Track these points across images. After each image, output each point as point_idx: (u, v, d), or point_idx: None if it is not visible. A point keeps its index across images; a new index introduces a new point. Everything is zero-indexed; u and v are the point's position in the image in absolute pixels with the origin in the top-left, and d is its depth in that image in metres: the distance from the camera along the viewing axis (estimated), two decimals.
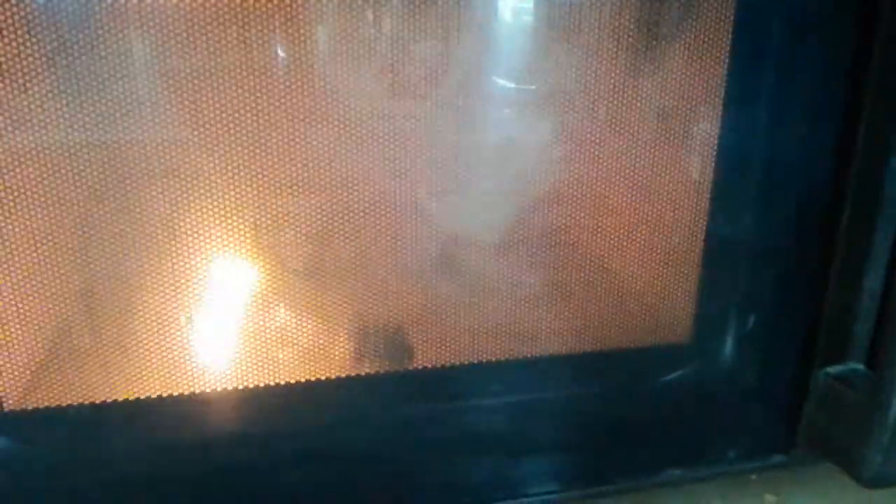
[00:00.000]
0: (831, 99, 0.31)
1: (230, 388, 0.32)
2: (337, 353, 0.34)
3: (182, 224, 0.30)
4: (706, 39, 0.32)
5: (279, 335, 0.33)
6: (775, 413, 0.35)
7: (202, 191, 0.29)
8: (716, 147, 0.33)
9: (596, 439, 0.35)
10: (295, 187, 0.30)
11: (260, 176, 0.30)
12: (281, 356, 0.33)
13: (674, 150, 0.34)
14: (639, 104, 0.33)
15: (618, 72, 0.33)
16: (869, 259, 0.32)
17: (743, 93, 0.32)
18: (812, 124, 0.32)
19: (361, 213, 0.31)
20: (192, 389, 0.32)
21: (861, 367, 0.33)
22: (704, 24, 0.32)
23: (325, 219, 0.32)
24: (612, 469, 0.34)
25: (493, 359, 0.35)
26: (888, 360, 0.30)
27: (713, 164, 0.33)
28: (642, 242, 0.35)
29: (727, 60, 0.31)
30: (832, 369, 0.33)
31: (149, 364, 0.31)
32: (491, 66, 0.32)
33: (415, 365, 0.34)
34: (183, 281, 0.31)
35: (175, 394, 0.31)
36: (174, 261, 0.30)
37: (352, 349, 0.34)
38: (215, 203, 0.30)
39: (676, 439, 0.35)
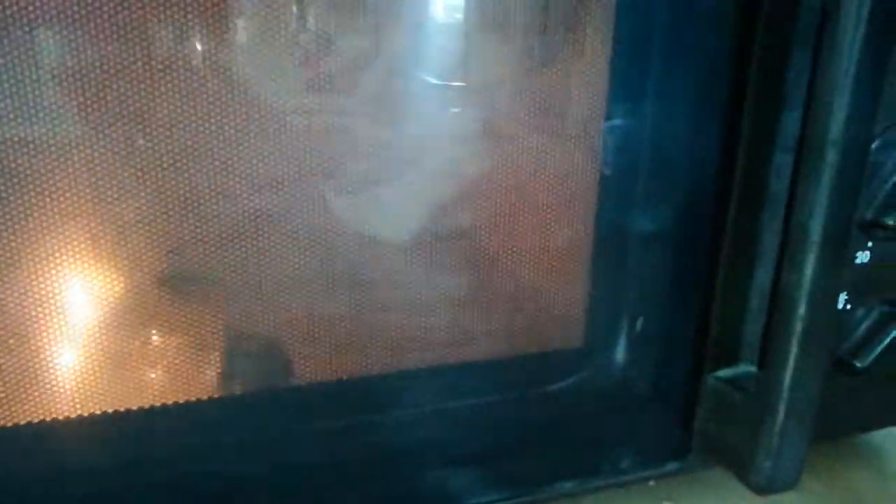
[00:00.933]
0: (717, 92, 0.30)
1: (87, 413, 0.29)
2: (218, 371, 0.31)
3: (28, 229, 0.26)
4: (590, 27, 0.30)
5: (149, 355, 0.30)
6: (669, 419, 0.34)
7: (51, 192, 0.26)
8: (601, 143, 0.31)
9: (486, 454, 0.33)
10: (161, 190, 0.27)
11: (115, 177, 0.27)
12: (150, 377, 0.30)
13: (560, 148, 0.32)
14: (524, 99, 0.31)
15: (503, 65, 0.31)
16: (756, 258, 0.31)
17: (627, 86, 0.30)
18: (698, 120, 0.31)
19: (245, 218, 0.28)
20: (45, 416, 0.28)
21: (752, 369, 0.32)
22: (588, 13, 0.30)
23: (202, 224, 0.29)
24: (501, 483, 0.32)
25: (384, 371, 0.33)
26: (775, 360, 0.29)
27: (599, 162, 0.31)
28: (534, 246, 0.33)
29: (610, 49, 0.30)
30: (722, 373, 0.32)
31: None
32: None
33: (307, 379, 0.32)
34: (29, 296, 0.27)
35: (26, 421, 0.28)
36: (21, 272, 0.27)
37: (238, 367, 0.31)
38: (70, 208, 0.26)
39: (569, 450, 0.33)
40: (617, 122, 0.31)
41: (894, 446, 0.41)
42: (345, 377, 0.32)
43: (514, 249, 0.33)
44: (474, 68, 0.31)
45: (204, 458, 0.29)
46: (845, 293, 0.33)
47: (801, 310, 0.27)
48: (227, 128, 0.27)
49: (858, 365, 0.34)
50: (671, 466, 0.34)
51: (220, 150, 0.27)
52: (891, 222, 0.32)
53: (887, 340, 0.34)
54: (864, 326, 0.34)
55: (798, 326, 0.28)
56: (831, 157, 0.26)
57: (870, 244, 0.33)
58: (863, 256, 0.33)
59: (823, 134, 0.26)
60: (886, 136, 0.31)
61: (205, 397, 0.30)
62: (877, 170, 0.32)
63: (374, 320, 0.32)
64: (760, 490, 0.31)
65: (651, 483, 0.37)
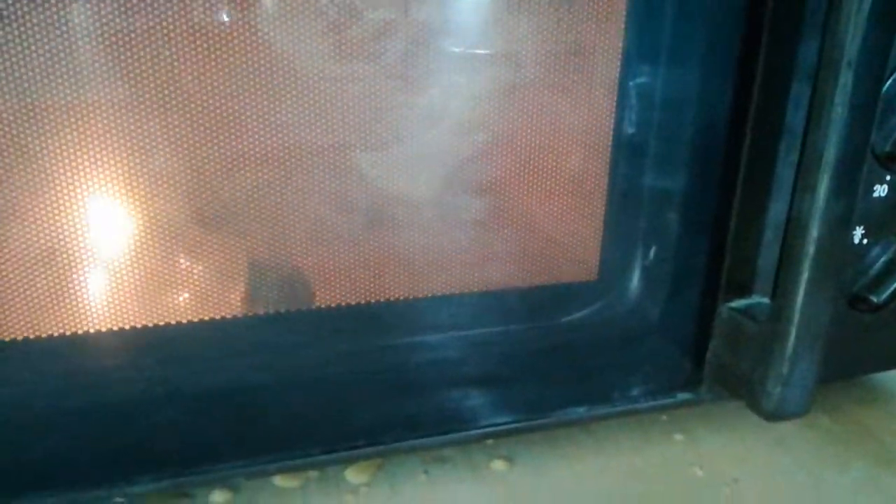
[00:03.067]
0: (734, 22, 0.30)
1: (118, 328, 0.30)
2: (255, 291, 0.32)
3: (63, 160, 0.27)
4: None
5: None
6: (681, 350, 0.34)
7: (85, 126, 0.27)
8: (617, 81, 0.31)
9: (500, 378, 0.34)
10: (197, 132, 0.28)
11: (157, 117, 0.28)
12: (178, 297, 0.32)
13: (577, 86, 0.32)
14: (545, 44, 0.31)
15: (528, 13, 0.31)
16: (772, 189, 0.31)
17: (642, 23, 0.30)
18: (715, 50, 0.31)
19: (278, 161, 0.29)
20: (83, 329, 0.30)
21: (766, 300, 0.32)
22: None
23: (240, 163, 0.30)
24: (515, 408, 0.33)
25: (407, 297, 0.33)
26: (787, 286, 0.29)
27: (616, 99, 0.32)
28: (551, 180, 0.34)
29: None
30: (736, 303, 0.33)
31: (39, 302, 0.29)
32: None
33: (326, 302, 0.33)
34: (67, 220, 0.28)
35: (66, 333, 0.29)
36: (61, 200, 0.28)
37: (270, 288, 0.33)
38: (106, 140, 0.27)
39: (582, 377, 0.34)
40: (632, 61, 0.31)
41: None
42: (364, 301, 0.33)
43: (532, 184, 0.33)
44: (499, 36, 0.31)
45: (224, 371, 0.31)
46: (861, 227, 0.33)
47: (814, 234, 0.28)
48: (256, 79, 0.28)
49: (874, 300, 0.35)
50: (682, 397, 0.35)
51: (247, 99, 0.28)
52: None
53: None
54: (881, 262, 0.34)
55: (810, 251, 0.28)
56: (846, 78, 0.26)
57: (888, 177, 0.33)
58: (881, 190, 0.33)
59: (839, 58, 0.26)
60: None
61: (228, 316, 0.31)
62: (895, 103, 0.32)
63: (395, 248, 0.33)
64: (770, 416, 0.31)
65: (664, 417, 0.38)
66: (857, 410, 0.39)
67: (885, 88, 0.31)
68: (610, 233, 0.34)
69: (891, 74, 0.31)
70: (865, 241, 0.34)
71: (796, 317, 0.29)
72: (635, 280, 0.34)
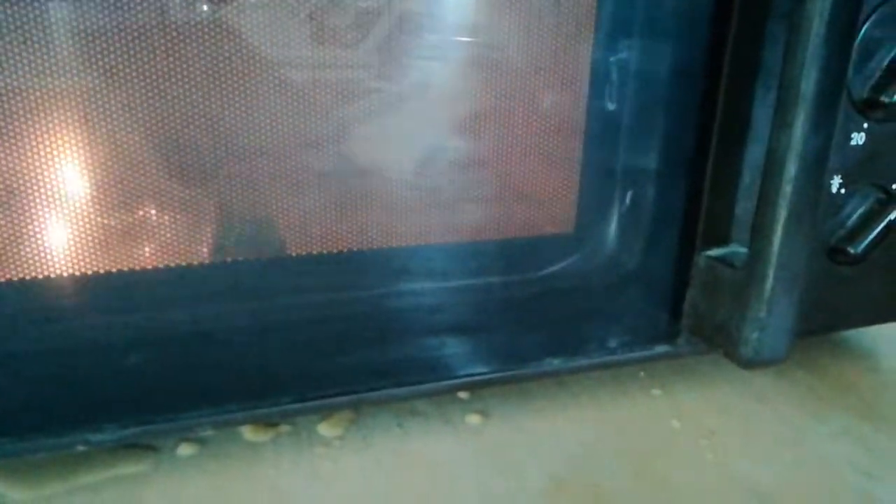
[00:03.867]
0: None
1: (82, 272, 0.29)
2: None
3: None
4: None
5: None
6: (659, 302, 0.34)
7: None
8: (594, 16, 0.31)
9: (475, 329, 0.33)
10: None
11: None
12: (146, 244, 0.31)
13: (554, 35, 0.32)
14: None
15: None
16: (749, 133, 0.31)
17: None
18: None
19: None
20: (46, 272, 0.29)
21: (743, 249, 0.32)
22: None
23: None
24: (490, 359, 0.33)
25: (381, 245, 0.33)
26: (764, 229, 0.29)
27: (590, 44, 0.31)
28: (526, 134, 0.33)
29: None
30: (713, 251, 0.32)
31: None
32: None
33: (307, 250, 0.32)
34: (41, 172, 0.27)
35: (28, 276, 0.28)
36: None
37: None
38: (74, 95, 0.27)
39: (558, 329, 0.33)
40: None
41: (886, 344, 0.41)
42: (339, 250, 0.32)
43: (507, 136, 0.33)
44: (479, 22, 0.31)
45: (192, 318, 0.30)
46: (839, 176, 0.33)
47: (791, 171, 0.27)
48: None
49: (852, 251, 0.34)
50: (660, 349, 0.34)
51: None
52: (886, 100, 0.32)
53: (881, 226, 0.34)
54: (858, 213, 0.34)
55: (787, 190, 0.28)
56: (821, 12, 0.25)
57: (866, 125, 0.33)
58: (858, 138, 0.33)
59: None
60: (883, 10, 0.31)
61: (195, 263, 0.30)
62: (874, 47, 0.31)
63: (369, 196, 0.32)
64: (748, 364, 0.31)
65: (641, 373, 0.38)
66: (834, 365, 0.39)
67: (861, 34, 0.31)
68: (585, 184, 0.34)
69: (866, 20, 0.31)
70: (843, 190, 0.34)
71: (773, 258, 0.29)
72: (612, 231, 0.34)
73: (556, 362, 0.33)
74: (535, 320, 0.33)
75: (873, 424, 0.34)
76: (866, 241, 0.34)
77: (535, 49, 0.32)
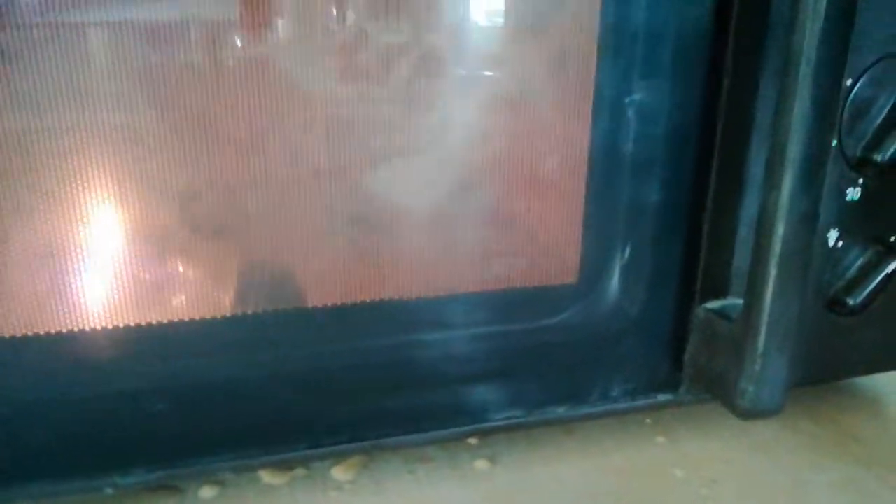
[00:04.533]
0: (700, 29, 0.31)
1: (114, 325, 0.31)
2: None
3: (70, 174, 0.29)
4: None
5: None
6: (660, 351, 0.35)
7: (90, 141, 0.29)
8: (593, 90, 0.33)
9: (481, 378, 0.34)
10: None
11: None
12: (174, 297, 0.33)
13: (557, 94, 0.33)
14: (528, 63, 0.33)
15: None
16: (744, 189, 0.32)
17: (615, 33, 0.32)
18: (683, 56, 0.32)
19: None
20: (82, 326, 0.31)
21: (740, 301, 0.33)
22: None
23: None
24: (497, 407, 0.34)
25: (392, 298, 0.34)
26: (757, 284, 0.30)
27: (591, 107, 0.33)
28: (532, 192, 0.35)
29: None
30: (711, 304, 0.34)
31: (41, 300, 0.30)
32: None
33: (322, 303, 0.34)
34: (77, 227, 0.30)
35: (65, 330, 0.31)
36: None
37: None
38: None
39: (561, 377, 0.35)
40: (607, 57, 0.32)
41: (890, 392, 0.41)
42: (354, 302, 0.34)
43: (513, 191, 0.35)
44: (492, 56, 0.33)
45: (214, 366, 0.32)
46: (836, 230, 0.34)
47: (780, 231, 0.29)
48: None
49: (850, 302, 0.35)
50: (662, 397, 0.35)
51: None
52: (878, 158, 0.33)
53: (879, 278, 0.35)
54: (857, 265, 0.35)
55: (777, 249, 0.29)
56: (806, 75, 0.27)
57: (860, 181, 0.34)
58: (853, 193, 0.34)
59: (799, 55, 0.27)
60: (874, 71, 0.32)
61: (219, 315, 0.32)
62: (864, 107, 0.33)
63: (379, 252, 0.34)
64: (744, 415, 0.32)
65: (647, 420, 0.39)
66: (837, 414, 0.39)
67: (852, 95, 0.32)
68: (589, 236, 0.35)
69: (856, 82, 0.32)
70: (841, 243, 0.34)
71: (765, 315, 0.30)
72: (614, 282, 0.35)
73: (560, 410, 0.34)
74: (540, 369, 0.35)
75: (875, 474, 0.35)
76: (865, 293, 0.35)
77: (543, 118, 0.34)
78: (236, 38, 0.30)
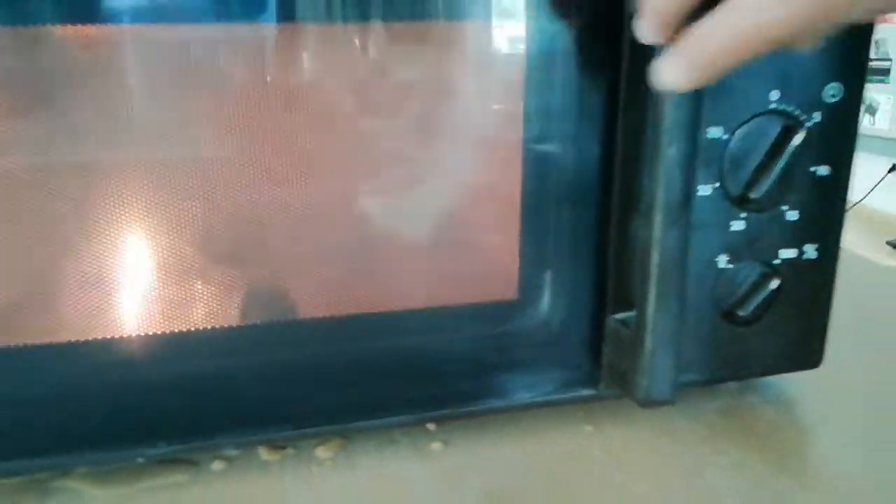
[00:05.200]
0: (598, 97, 0.39)
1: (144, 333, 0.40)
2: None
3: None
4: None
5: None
6: (583, 354, 0.43)
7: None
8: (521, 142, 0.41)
9: (439, 376, 0.42)
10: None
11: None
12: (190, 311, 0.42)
13: (492, 147, 0.42)
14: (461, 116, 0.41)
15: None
16: (637, 223, 0.40)
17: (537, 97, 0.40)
18: (587, 116, 0.40)
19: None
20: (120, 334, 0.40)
21: None
22: None
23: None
24: (449, 399, 0.42)
25: (357, 312, 0.42)
26: (640, 301, 0.37)
27: (521, 157, 0.41)
28: (478, 221, 0.43)
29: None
30: (619, 315, 0.41)
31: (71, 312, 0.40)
32: None
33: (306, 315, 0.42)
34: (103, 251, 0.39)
35: (111, 336, 0.40)
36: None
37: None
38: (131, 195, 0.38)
39: (502, 376, 0.43)
40: (534, 130, 0.40)
41: (790, 389, 0.48)
42: (329, 315, 0.42)
43: (465, 225, 0.43)
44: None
45: (222, 365, 0.40)
46: (726, 255, 0.42)
47: (655, 258, 0.36)
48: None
49: (742, 314, 0.43)
50: (585, 392, 0.43)
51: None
52: (754, 196, 0.40)
53: (765, 294, 0.42)
54: (747, 283, 0.42)
55: (655, 270, 0.37)
56: (666, 139, 0.35)
57: (743, 215, 0.41)
58: (737, 225, 0.41)
59: (658, 126, 0.35)
60: (743, 130, 0.39)
61: (225, 325, 0.41)
62: (743, 155, 0.40)
63: (359, 275, 0.42)
64: (642, 403, 0.39)
65: (580, 413, 0.46)
66: (739, 408, 0.46)
67: (730, 145, 0.40)
68: (525, 261, 0.43)
69: (733, 134, 0.40)
70: (731, 265, 0.42)
71: (649, 324, 0.37)
72: (545, 297, 0.43)
73: (501, 402, 0.42)
74: (483, 368, 0.43)
75: (766, 459, 0.42)
76: (753, 306, 0.42)
77: (478, 167, 0.42)
78: None
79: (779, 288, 0.42)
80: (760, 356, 0.44)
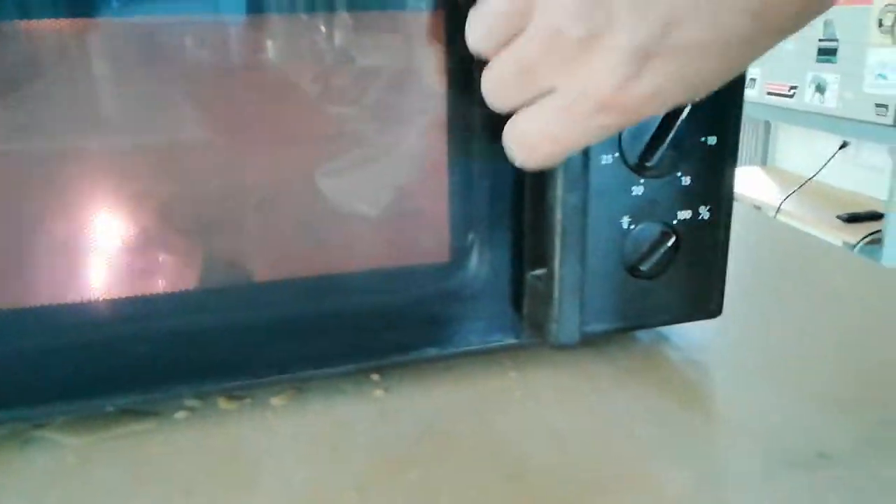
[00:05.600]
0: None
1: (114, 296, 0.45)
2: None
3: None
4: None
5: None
6: (507, 307, 0.48)
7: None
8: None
9: (381, 329, 0.47)
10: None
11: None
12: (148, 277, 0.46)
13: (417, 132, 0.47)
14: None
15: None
16: (547, 185, 0.45)
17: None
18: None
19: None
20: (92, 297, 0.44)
21: None
22: None
23: None
24: (387, 350, 0.47)
25: (303, 274, 0.47)
26: (549, 258, 0.43)
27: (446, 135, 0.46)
28: (412, 191, 0.48)
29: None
30: (534, 272, 0.46)
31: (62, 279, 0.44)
32: None
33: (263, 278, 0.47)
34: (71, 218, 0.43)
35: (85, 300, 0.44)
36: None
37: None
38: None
39: (434, 327, 0.48)
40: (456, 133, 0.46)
41: (693, 335, 0.54)
42: (288, 277, 0.47)
43: (404, 197, 0.48)
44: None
45: (185, 321, 0.45)
46: (628, 217, 0.47)
47: (559, 216, 0.42)
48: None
49: (643, 269, 0.48)
50: (510, 340, 0.49)
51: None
52: (649, 164, 0.46)
53: (662, 251, 0.48)
54: (649, 241, 0.48)
55: (558, 228, 0.42)
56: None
57: (641, 181, 0.47)
58: (637, 190, 0.47)
59: None
60: None
61: (189, 288, 0.46)
62: (639, 129, 0.46)
63: (303, 241, 0.47)
64: (553, 345, 0.45)
65: (508, 361, 0.52)
66: (650, 353, 0.52)
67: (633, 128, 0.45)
68: (454, 225, 0.48)
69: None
70: (633, 226, 0.47)
71: (556, 276, 0.43)
72: (473, 258, 0.48)
73: (432, 351, 0.48)
74: (420, 321, 0.48)
75: (662, 395, 0.48)
76: (653, 261, 0.48)
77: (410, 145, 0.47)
78: None
79: (676, 245, 0.48)
80: (665, 307, 0.50)
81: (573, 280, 0.43)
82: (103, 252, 0.44)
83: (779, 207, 2.80)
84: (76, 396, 0.44)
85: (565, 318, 0.44)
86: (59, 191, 0.42)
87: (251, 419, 0.47)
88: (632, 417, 0.46)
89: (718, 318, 0.52)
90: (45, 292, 0.44)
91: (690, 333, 0.55)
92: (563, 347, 0.45)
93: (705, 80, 0.32)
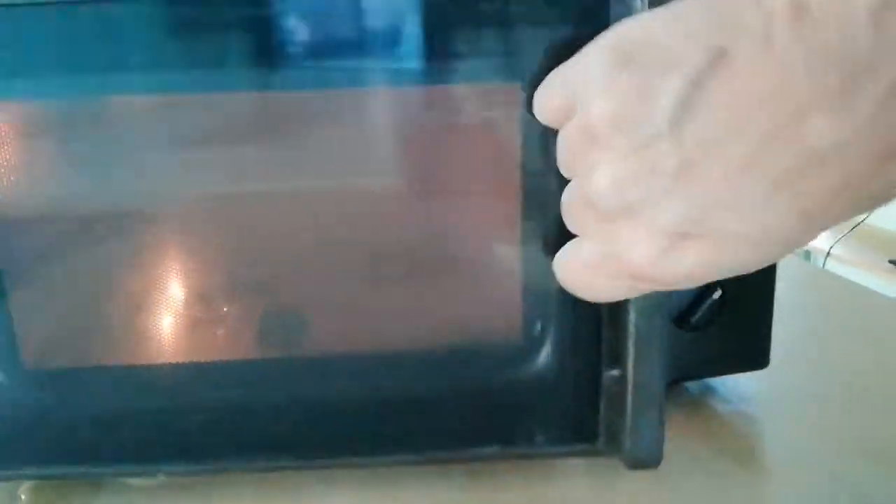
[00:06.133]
0: None
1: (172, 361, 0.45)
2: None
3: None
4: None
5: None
6: (581, 408, 0.42)
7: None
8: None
9: (432, 416, 0.44)
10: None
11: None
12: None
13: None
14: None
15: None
16: None
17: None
18: None
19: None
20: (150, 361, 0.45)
21: None
22: None
23: None
24: (444, 443, 0.44)
25: (366, 350, 0.45)
26: (623, 355, 0.39)
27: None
28: (480, 268, 0.45)
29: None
30: (613, 371, 0.41)
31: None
32: None
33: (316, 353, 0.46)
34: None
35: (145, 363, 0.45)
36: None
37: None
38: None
39: (496, 424, 0.43)
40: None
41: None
42: (328, 353, 0.45)
43: (470, 273, 0.45)
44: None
45: (228, 395, 0.44)
46: None
47: (632, 318, 0.38)
48: None
49: (692, 320, 0.47)
50: (580, 447, 0.43)
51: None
52: None
53: (708, 303, 0.46)
54: (694, 294, 0.46)
55: (632, 331, 0.38)
56: None
57: None
58: None
59: None
60: None
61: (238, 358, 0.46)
62: None
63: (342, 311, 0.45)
64: (628, 465, 0.40)
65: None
66: (696, 403, 0.51)
67: None
68: (527, 312, 0.43)
69: None
70: None
71: (630, 382, 0.38)
72: (547, 346, 0.43)
73: (492, 449, 0.43)
74: (478, 416, 0.44)
75: (710, 446, 0.46)
76: (699, 314, 0.47)
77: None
78: None
79: (722, 297, 0.47)
80: (712, 358, 0.49)
81: (651, 388, 0.38)
82: (172, 319, 0.45)
83: (828, 252, 2.74)
84: (130, 460, 0.45)
85: (643, 432, 0.38)
86: (130, 257, 0.43)
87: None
88: (679, 469, 0.44)
89: (766, 370, 0.51)
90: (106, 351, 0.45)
91: (738, 385, 0.54)
92: (638, 467, 0.39)
93: (739, 268, 0.31)
